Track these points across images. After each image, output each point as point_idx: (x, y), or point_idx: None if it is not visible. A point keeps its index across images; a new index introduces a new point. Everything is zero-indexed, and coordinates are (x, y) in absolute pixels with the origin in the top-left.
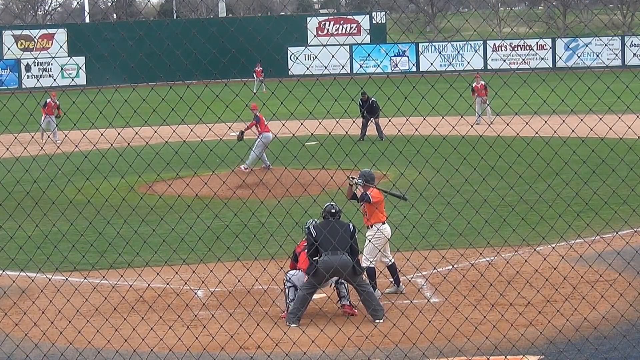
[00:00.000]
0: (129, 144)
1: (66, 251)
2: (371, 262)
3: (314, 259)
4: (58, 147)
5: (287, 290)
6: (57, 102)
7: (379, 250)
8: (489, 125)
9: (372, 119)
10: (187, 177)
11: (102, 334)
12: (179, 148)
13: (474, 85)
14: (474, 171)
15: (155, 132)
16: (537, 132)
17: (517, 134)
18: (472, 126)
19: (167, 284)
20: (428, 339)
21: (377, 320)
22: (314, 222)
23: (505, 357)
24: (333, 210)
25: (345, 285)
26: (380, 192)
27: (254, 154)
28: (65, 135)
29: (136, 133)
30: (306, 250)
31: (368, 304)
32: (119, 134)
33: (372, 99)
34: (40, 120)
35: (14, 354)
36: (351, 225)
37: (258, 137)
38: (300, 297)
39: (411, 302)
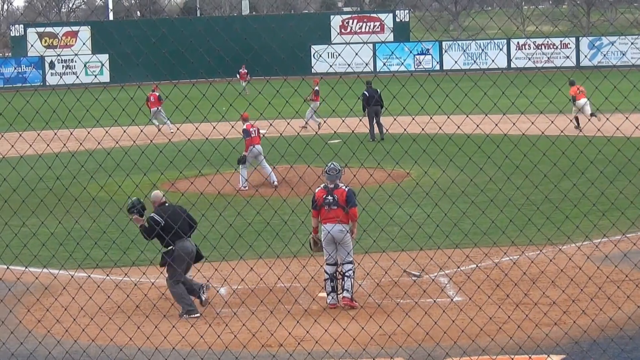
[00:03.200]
0: (151, 141)
1: (89, 248)
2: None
3: (169, 248)
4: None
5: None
6: (158, 94)
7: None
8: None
9: (377, 114)
10: (210, 174)
11: (125, 331)
12: (201, 145)
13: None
14: (499, 170)
15: (178, 129)
16: (562, 131)
17: (542, 133)
18: (514, 124)
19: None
20: (451, 338)
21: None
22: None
23: (530, 356)
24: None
25: (352, 280)
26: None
27: (244, 171)
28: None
29: (159, 130)
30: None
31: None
32: (141, 131)
33: (378, 90)
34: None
35: (37, 351)
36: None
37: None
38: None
39: (434, 301)
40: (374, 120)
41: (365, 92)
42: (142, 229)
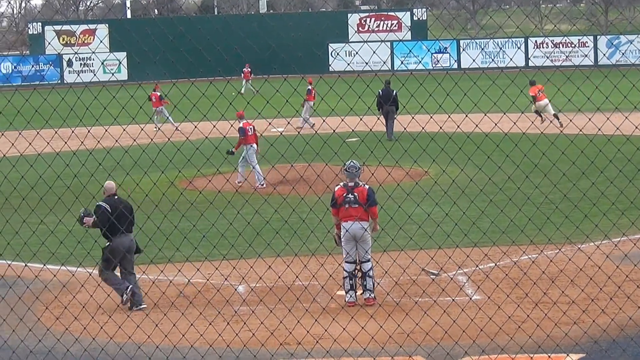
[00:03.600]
0: (169, 139)
1: None
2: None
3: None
4: (176, 128)
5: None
6: (159, 94)
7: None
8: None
9: (390, 113)
10: (228, 172)
11: (143, 329)
12: (219, 143)
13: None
14: (517, 168)
15: (196, 127)
16: (580, 130)
17: (561, 131)
18: (532, 122)
19: (208, 279)
20: (470, 336)
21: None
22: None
23: (549, 355)
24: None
25: (373, 280)
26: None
27: (256, 168)
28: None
29: (176, 128)
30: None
31: None
32: (159, 128)
33: (395, 90)
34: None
35: (55, 348)
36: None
37: (245, 150)
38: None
39: (453, 299)
40: (387, 120)
41: (380, 90)
42: (94, 222)
